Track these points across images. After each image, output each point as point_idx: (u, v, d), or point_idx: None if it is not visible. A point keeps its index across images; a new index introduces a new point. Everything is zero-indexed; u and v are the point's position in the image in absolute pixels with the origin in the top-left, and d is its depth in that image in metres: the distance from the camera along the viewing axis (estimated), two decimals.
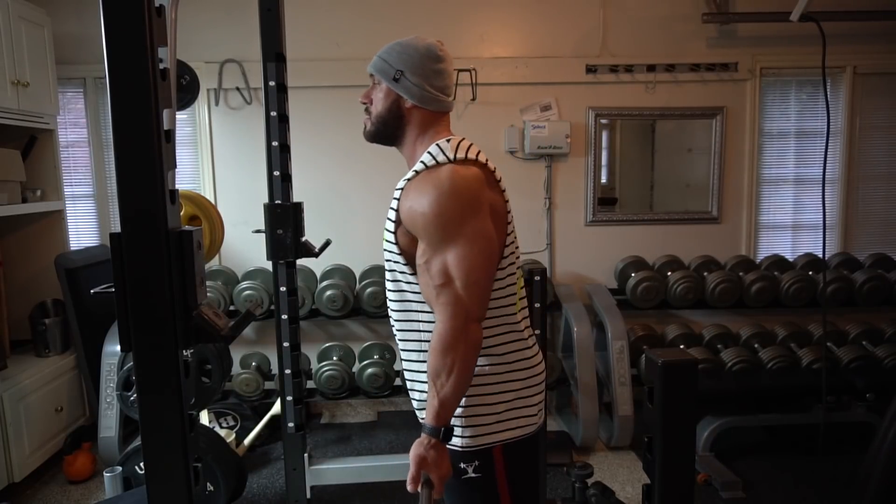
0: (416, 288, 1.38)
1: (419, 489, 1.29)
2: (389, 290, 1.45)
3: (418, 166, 1.36)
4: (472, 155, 1.36)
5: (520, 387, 1.41)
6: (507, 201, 1.42)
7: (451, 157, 1.34)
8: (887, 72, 4.05)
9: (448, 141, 1.39)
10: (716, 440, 3.20)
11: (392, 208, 1.39)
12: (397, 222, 1.37)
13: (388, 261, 1.43)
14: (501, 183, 1.42)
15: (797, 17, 2.79)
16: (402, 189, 1.37)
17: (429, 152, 1.37)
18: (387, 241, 1.41)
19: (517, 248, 1.46)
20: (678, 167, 4.22)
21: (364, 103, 1.49)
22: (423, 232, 1.31)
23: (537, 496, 1.49)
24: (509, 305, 1.40)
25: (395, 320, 1.45)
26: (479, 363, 1.37)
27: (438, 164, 1.34)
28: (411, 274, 1.38)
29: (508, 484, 1.40)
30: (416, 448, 1.28)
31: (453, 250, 1.28)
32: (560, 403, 3.83)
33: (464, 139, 1.41)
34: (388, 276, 1.45)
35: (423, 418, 1.34)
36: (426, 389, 1.41)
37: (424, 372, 1.39)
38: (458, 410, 1.37)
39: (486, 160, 1.39)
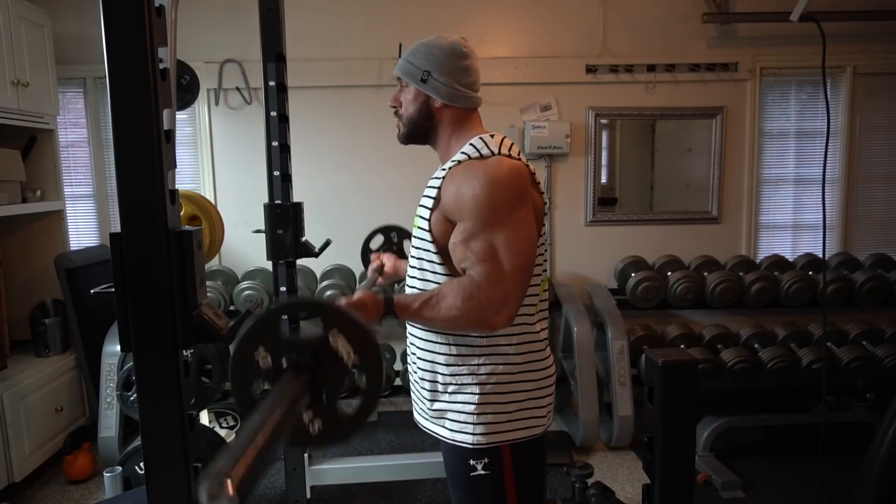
0: (441, 279, 1.38)
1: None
2: (413, 278, 1.45)
3: (461, 156, 1.37)
4: (514, 153, 1.38)
5: (532, 387, 1.41)
6: (546, 203, 1.44)
7: (496, 150, 1.36)
8: (887, 72, 4.05)
9: (492, 136, 1.40)
10: (716, 440, 3.20)
11: (429, 196, 1.39)
12: (433, 208, 1.37)
13: (416, 248, 1.43)
14: (540, 185, 1.43)
15: (797, 17, 2.78)
16: (442, 177, 1.37)
17: (472, 144, 1.38)
18: (419, 227, 1.41)
19: (546, 250, 1.47)
20: (678, 167, 4.22)
21: (393, 107, 1.50)
22: (469, 213, 1.31)
23: (542, 496, 1.50)
24: (530, 306, 1.41)
25: None
26: (494, 362, 1.38)
27: (483, 155, 1.35)
28: (439, 264, 1.38)
29: (516, 483, 1.41)
30: (365, 294, 1.32)
31: (502, 233, 1.29)
32: (560, 403, 3.82)
33: (505, 137, 1.43)
34: (413, 264, 1.44)
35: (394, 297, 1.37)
36: (437, 388, 1.41)
37: (443, 364, 1.39)
38: (471, 408, 1.38)
39: (526, 161, 1.41)
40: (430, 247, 1.38)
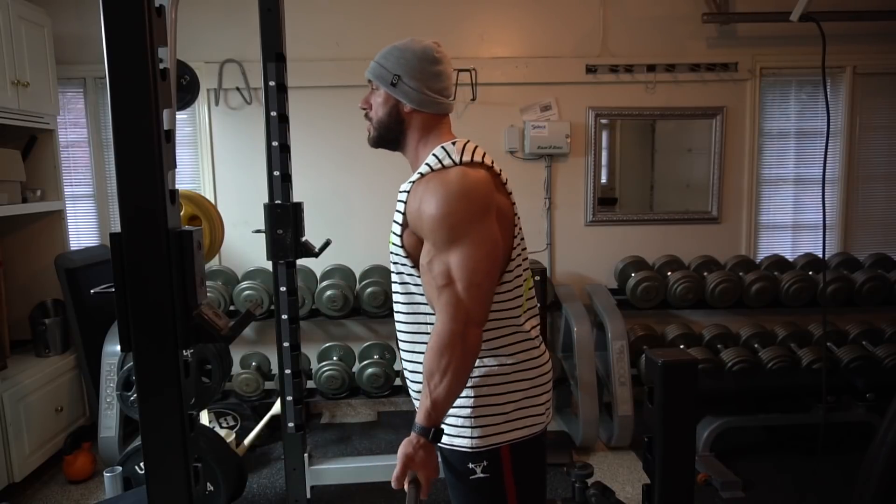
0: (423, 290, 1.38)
1: (405, 488, 1.28)
2: (396, 292, 1.45)
3: (424, 168, 1.36)
4: (478, 157, 1.36)
5: (527, 386, 1.41)
6: (514, 203, 1.42)
7: (458, 159, 1.34)
8: (887, 72, 4.05)
9: (454, 143, 1.38)
10: (716, 440, 3.20)
11: (398, 211, 1.39)
12: (404, 224, 1.36)
13: (394, 263, 1.42)
14: (508, 185, 1.42)
15: (797, 17, 2.79)
16: (407, 191, 1.37)
17: (434, 154, 1.37)
18: (393, 243, 1.40)
19: (525, 249, 1.46)
20: (678, 167, 4.22)
21: (364, 109, 1.49)
22: (429, 233, 1.30)
23: (543, 495, 1.49)
24: (516, 308, 1.40)
25: (401, 321, 1.45)
26: (487, 363, 1.37)
27: (445, 166, 1.33)
28: (419, 276, 1.37)
29: (516, 483, 1.40)
30: (405, 447, 1.27)
31: (457, 252, 1.28)
32: (560, 403, 3.82)
33: (469, 141, 1.41)
34: (394, 276, 1.44)
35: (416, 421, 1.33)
36: None
37: None
38: (467, 411, 1.37)
39: (492, 162, 1.39)
40: (406, 261, 1.38)
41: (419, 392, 1.45)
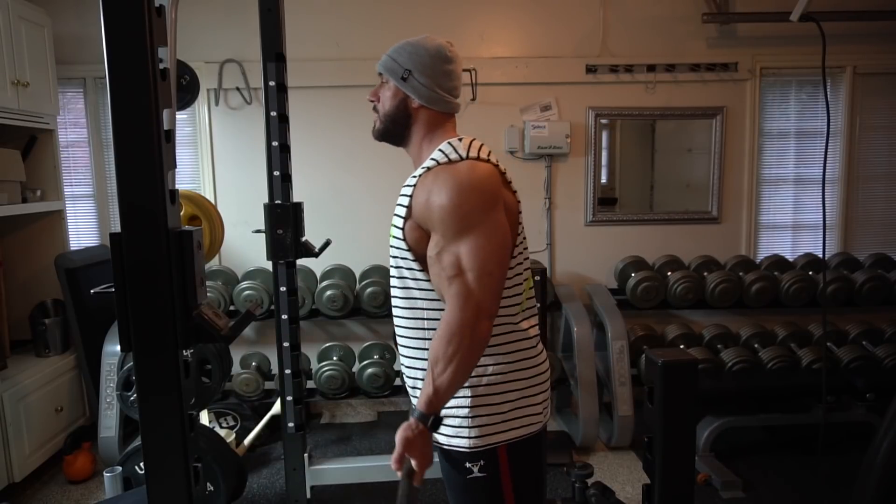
0: (423, 285, 1.37)
1: (400, 473, 1.28)
2: (395, 287, 1.45)
3: (430, 163, 1.36)
4: (483, 154, 1.37)
5: (525, 386, 1.41)
6: (519, 202, 1.43)
7: (465, 154, 1.35)
8: (887, 72, 4.05)
9: (460, 140, 1.39)
10: (716, 440, 3.20)
11: (401, 204, 1.39)
12: (406, 217, 1.36)
13: (394, 257, 1.42)
14: (512, 184, 1.42)
15: (797, 18, 2.78)
16: (413, 185, 1.37)
17: (440, 150, 1.37)
18: (394, 237, 1.40)
19: (526, 248, 1.46)
20: (678, 167, 4.22)
21: (372, 101, 1.49)
22: (438, 223, 1.30)
23: (541, 495, 1.49)
24: (514, 305, 1.40)
25: (400, 318, 1.45)
26: (484, 363, 1.36)
27: (451, 160, 1.34)
28: (419, 270, 1.37)
29: (513, 483, 1.40)
30: (404, 430, 1.26)
31: (468, 242, 1.28)
32: (560, 403, 3.82)
33: (475, 139, 1.42)
34: (393, 272, 1.44)
35: (415, 404, 1.33)
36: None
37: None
38: (464, 411, 1.37)
39: (497, 161, 1.40)
40: (407, 255, 1.38)
41: (415, 388, 1.45)
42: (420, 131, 1.45)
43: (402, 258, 1.40)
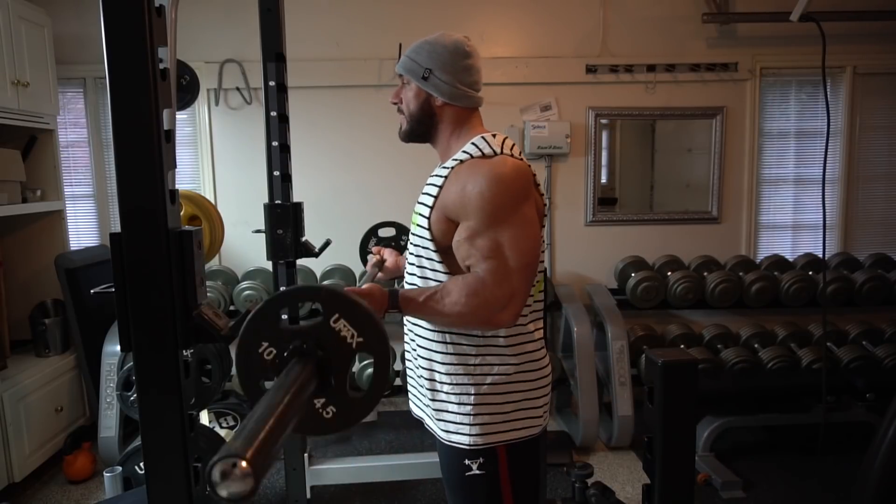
0: (441, 278, 1.38)
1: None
2: (412, 275, 1.45)
3: (462, 155, 1.37)
4: (516, 153, 1.39)
5: (528, 388, 1.41)
6: (546, 204, 1.45)
7: (499, 150, 1.36)
8: (887, 72, 4.05)
9: (494, 136, 1.41)
10: (716, 440, 3.20)
11: (429, 194, 1.39)
12: (433, 207, 1.37)
13: (415, 246, 1.42)
14: (540, 187, 1.43)
15: (797, 18, 2.78)
16: (444, 176, 1.38)
17: (473, 143, 1.38)
18: (419, 225, 1.41)
19: (544, 251, 1.47)
20: (678, 167, 4.22)
21: (395, 103, 1.50)
22: (474, 212, 1.31)
23: (539, 495, 1.50)
24: (526, 307, 1.41)
25: None
26: (490, 362, 1.37)
27: (485, 155, 1.35)
28: (439, 262, 1.38)
29: (511, 483, 1.41)
30: (375, 289, 1.31)
31: (507, 231, 1.29)
32: (560, 403, 3.82)
33: (507, 137, 1.43)
34: (412, 261, 1.44)
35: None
36: (435, 387, 1.41)
37: (439, 363, 1.39)
38: (467, 409, 1.38)
39: (527, 162, 1.41)
40: (430, 245, 1.38)
41: (419, 378, 1.45)
42: (447, 129, 1.45)
43: (423, 248, 1.40)
